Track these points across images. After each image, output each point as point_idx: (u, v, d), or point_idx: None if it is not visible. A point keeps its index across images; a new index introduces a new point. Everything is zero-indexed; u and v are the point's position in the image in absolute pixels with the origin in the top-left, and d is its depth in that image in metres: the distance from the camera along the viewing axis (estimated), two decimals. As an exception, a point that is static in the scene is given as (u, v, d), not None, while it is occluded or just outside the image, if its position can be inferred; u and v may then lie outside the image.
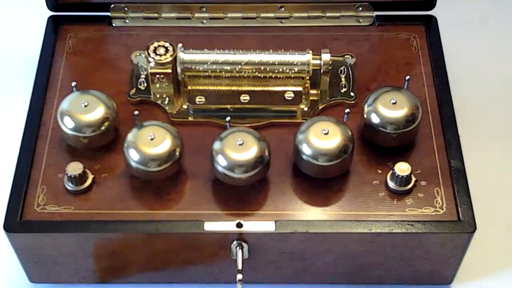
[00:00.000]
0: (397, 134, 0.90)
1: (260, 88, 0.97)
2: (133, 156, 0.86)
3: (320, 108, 0.96)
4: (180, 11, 1.05)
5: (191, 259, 0.90)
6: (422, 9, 1.05)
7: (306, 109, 0.96)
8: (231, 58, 0.96)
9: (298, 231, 0.86)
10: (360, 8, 1.05)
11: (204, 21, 1.05)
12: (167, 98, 0.97)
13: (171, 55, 0.94)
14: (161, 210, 0.88)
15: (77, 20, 1.05)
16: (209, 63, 0.95)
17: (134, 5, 1.05)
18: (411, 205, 0.88)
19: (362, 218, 0.87)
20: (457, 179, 0.90)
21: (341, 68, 0.99)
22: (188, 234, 0.86)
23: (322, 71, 0.95)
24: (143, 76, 0.99)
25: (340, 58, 1.00)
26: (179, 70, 0.95)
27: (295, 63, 0.95)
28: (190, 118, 0.95)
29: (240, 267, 0.86)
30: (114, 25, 1.05)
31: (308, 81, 0.97)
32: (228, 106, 0.95)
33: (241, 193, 0.89)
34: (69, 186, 0.89)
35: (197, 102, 0.95)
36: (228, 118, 0.89)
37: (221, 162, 0.86)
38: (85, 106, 0.90)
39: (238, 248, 0.87)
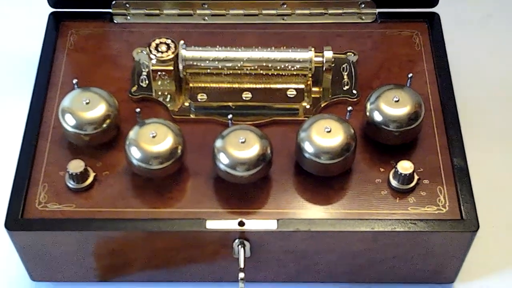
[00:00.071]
0: (399, 132, 0.89)
1: (262, 86, 0.96)
2: (135, 154, 0.86)
3: (322, 105, 0.96)
4: (182, 8, 1.05)
5: (192, 258, 0.90)
6: (425, 6, 1.04)
7: (308, 106, 0.95)
8: (233, 55, 0.95)
9: (300, 229, 0.85)
10: (363, 5, 1.04)
11: (206, 18, 1.05)
12: (168, 96, 0.96)
13: (172, 52, 0.94)
14: (163, 208, 0.88)
15: (78, 17, 1.05)
16: (211, 60, 0.95)
17: (136, 2, 1.04)
18: (413, 203, 0.88)
19: (365, 217, 0.87)
20: (460, 177, 0.89)
21: (344, 66, 0.99)
22: (189, 232, 0.86)
23: (324, 69, 0.95)
24: (144, 73, 0.98)
25: (342, 56, 1.00)
26: (180, 67, 0.95)
27: (297, 60, 0.95)
28: (192, 116, 0.95)
29: (242, 265, 0.86)
30: (115, 21, 1.05)
31: (310, 79, 0.97)
32: (230, 104, 0.95)
33: (243, 191, 0.89)
34: (71, 184, 0.89)
35: (199, 100, 0.95)
36: (230, 116, 0.88)
37: (223, 160, 0.86)
38: (87, 103, 0.90)
39: (240, 246, 0.86)
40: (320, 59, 0.95)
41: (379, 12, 1.05)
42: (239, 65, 0.95)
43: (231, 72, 0.96)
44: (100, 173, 0.90)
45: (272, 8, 1.05)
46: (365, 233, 0.86)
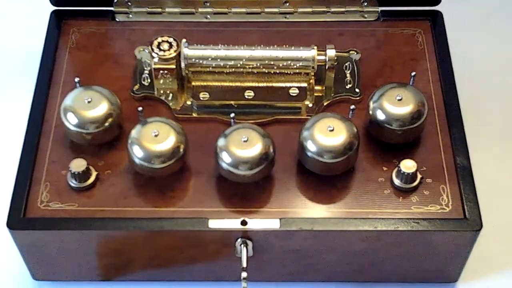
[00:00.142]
0: (402, 131, 0.89)
1: (265, 84, 0.96)
2: (137, 152, 0.86)
3: (325, 104, 0.95)
4: (184, 6, 1.05)
5: (195, 257, 0.89)
6: (428, 5, 1.04)
7: (310, 105, 0.95)
8: (235, 54, 0.95)
9: (303, 228, 0.85)
10: (365, 3, 1.04)
11: (208, 16, 1.05)
12: (171, 94, 0.96)
13: (175, 51, 0.94)
14: (165, 207, 0.88)
15: (80, 15, 1.04)
16: (213, 58, 0.95)
17: (138, 0, 1.04)
18: (416, 202, 0.88)
19: (368, 216, 0.87)
20: (463, 176, 0.89)
21: (346, 64, 0.99)
22: (192, 231, 0.85)
23: (327, 67, 0.95)
24: (146, 71, 0.98)
25: (345, 54, 1.00)
26: (183, 65, 0.95)
27: (299, 58, 0.95)
28: (194, 114, 0.95)
29: (244, 265, 0.86)
30: (117, 20, 1.04)
31: (313, 77, 0.96)
32: (232, 102, 0.95)
33: (246, 190, 0.88)
34: (73, 183, 0.88)
35: (201, 98, 0.95)
36: (232, 115, 0.88)
37: (225, 159, 0.85)
38: (89, 102, 0.89)
39: (242, 245, 0.86)
40: (322, 57, 0.95)
41: (381, 10, 1.04)
42: (241, 63, 0.95)
43: (233, 70, 0.96)
44: (102, 172, 0.90)
45: (274, 6, 1.04)
46: (368, 232, 0.85)
